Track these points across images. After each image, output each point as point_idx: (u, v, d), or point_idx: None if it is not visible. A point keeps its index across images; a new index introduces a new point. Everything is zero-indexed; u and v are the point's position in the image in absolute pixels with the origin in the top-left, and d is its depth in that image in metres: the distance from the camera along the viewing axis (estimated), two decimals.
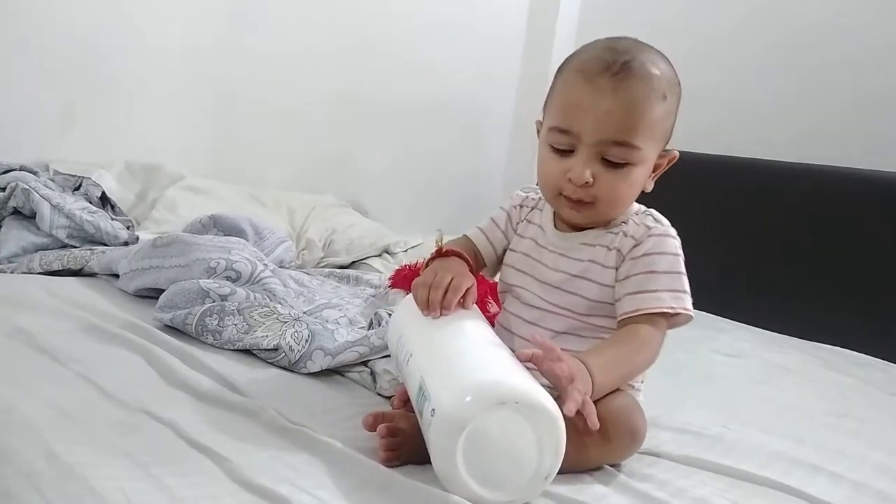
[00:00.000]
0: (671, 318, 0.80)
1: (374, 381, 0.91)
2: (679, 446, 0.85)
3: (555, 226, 0.87)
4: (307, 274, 1.44)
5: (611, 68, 0.76)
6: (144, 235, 1.40)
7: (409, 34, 2.22)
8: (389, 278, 1.38)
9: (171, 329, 0.98)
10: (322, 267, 1.60)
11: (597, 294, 0.82)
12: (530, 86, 2.59)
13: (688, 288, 0.81)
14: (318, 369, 0.91)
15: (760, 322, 1.59)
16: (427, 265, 0.85)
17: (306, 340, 0.93)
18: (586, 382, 0.69)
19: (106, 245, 1.33)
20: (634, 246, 0.81)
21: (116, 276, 1.18)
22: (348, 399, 0.87)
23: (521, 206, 0.93)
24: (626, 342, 0.78)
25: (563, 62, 0.83)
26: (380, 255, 1.69)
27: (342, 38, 2.07)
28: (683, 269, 0.81)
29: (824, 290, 1.63)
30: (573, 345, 0.82)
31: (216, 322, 0.96)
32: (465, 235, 0.94)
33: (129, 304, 1.10)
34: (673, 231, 0.83)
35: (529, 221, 0.91)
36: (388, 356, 0.90)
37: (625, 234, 0.81)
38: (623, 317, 0.79)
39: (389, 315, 1.05)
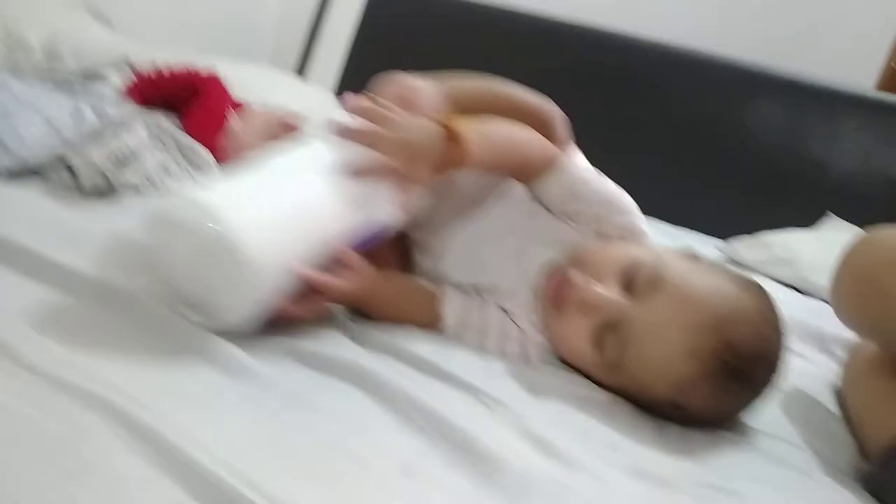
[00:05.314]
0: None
1: (74, 177, 0.82)
2: None
3: None
4: (15, 78, 1.21)
5: None
6: None
7: None
8: (126, 86, 1.21)
9: None
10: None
11: None
12: None
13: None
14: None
15: None
16: None
17: None
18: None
19: None
20: None
21: None
22: (46, 201, 0.79)
23: None
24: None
25: None
26: (118, 67, 1.48)
27: None
28: None
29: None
30: None
31: None
32: None
33: None
34: None
35: None
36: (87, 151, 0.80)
37: None
38: None
39: (92, 109, 0.92)
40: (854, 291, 0.81)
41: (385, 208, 0.68)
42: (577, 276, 0.73)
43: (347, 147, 0.67)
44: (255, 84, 1.49)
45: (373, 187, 0.66)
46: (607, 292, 0.71)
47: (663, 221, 1.67)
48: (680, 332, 0.68)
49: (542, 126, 0.82)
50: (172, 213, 0.59)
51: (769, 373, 0.72)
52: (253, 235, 0.57)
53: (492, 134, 0.74)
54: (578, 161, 0.80)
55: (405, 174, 0.68)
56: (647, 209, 1.66)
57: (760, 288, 0.75)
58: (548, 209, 0.81)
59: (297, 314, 0.65)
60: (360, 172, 0.65)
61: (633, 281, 0.71)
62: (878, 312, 0.77)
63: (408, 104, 0.74)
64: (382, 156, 0.67)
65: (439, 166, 0.70)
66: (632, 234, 0.80)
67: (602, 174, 0.81)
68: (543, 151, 0.78)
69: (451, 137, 0.69)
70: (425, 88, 0.79)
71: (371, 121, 0.68)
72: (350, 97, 0.71)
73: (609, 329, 0.71)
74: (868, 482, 0.68)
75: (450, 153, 0.70)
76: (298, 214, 0.62)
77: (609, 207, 0.79)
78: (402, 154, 0.67)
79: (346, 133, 0.68)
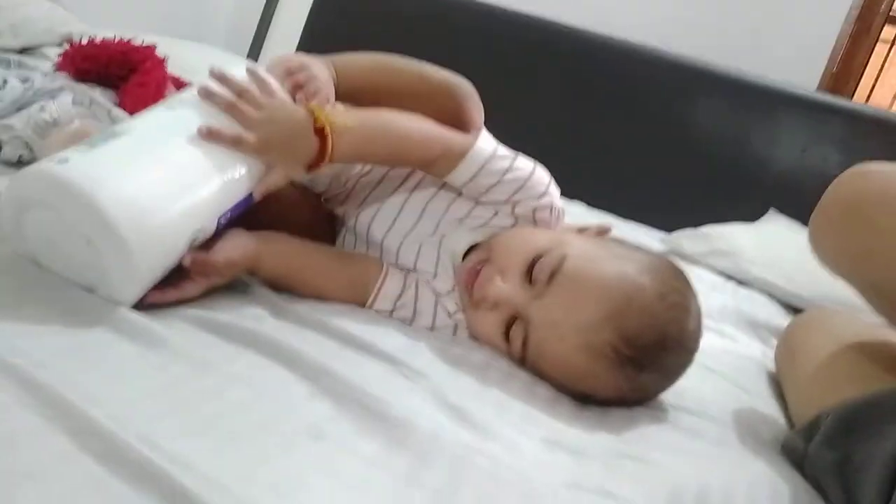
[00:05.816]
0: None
1: None
2: None
3: None
4: None
5: None
6: None
7: None
8: (59, 55, 1.17)
9: None
10: None
11: None
12: None
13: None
14: None
15: None
16: None
17: None
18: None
19: None
20: None
21: None
22: None
23: None
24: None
25: None
26: (60, 45, 1.44)
27: None
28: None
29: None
30: None
31: None
32: None
33: None
34: None
35: None
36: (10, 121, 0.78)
37: None
38: None
39: (20, 80, 0.89)
40: (839, 222, 0.76)
41: (244, 180, 0.67)
42: (484, 271, 0.73)
43: (214, 114, 0.66)
44: (202, 65, 1.47)
45: (233, 158, 0.65)
46: (508, 288, 0.71)
47: (611, 214, 1.70)
48: (573, 331, 0.68)
49: (451, 103, 0.82)
50: (34, 191, 0.57)
51: (677, 354, 0.71)
52: (124, 203, 0.56)
53: (367, 125, 0.74)
54: (485, 147, 0.78)
55: (258, 150, 0.66)
56: (595, 202, 1.71)
57: (667, 266, 0.74)
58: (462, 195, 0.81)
59: (169, 299, 0.63)
60: (209, 134, 0.63)
61: (535, 274, 0.70)
62: (861, 247, 0.73)
63: (297, 85, 0.74)
64: (238, 126, 0.66)
65: (304, 154, 0.69)
66: (548, 214, 0.80)
67: (517, 153, 0.80)
68: (435, 143, 0.76)
69: (318, 127, 0.68)
70: (316, 68, 0.77)
71: (233, 93, 0.68)
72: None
73: (513, 323, 0.72)
74: (790, 453, 0.70)
75: (315, 142, 0.69)
76: (167, 179, 0.61)
77: (522, 192, 0.78)
78: (259, 129, 0.66)
79: (208, 96, 0.67)
